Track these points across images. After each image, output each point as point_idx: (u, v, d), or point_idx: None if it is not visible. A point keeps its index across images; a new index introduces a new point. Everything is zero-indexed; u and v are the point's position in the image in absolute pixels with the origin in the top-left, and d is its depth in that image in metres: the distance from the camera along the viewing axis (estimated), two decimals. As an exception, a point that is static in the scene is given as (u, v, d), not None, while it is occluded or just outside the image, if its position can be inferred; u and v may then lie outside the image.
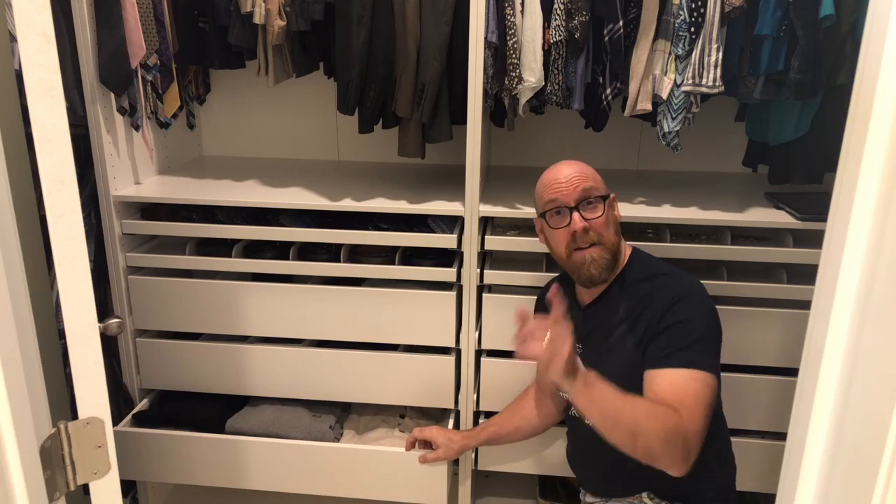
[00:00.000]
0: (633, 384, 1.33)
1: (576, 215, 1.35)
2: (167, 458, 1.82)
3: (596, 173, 1.41)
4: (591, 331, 1.43)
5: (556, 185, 1.37)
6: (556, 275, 1.60)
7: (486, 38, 1.54)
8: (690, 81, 1.52)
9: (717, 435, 1.40)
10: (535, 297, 1.64)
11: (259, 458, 1.79)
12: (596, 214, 1.35)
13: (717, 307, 1.66)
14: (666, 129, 1.58)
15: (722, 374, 1.70)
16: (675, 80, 1.54)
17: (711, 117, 1.99)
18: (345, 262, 1.77)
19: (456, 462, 1.87)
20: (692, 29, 1.49)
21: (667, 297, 1.31)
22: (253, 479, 1.82)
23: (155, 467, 1.84)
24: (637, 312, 1.34)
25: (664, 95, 1.55)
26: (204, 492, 2.15)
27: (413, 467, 1.73)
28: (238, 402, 1.92)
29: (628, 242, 1.47)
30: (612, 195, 1.41)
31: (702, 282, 1.39)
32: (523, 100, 1.61)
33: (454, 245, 1.72)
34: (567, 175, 1.37)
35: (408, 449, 1.73)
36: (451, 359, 1.78)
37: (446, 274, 1.74)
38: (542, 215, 1.42)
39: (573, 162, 1.41)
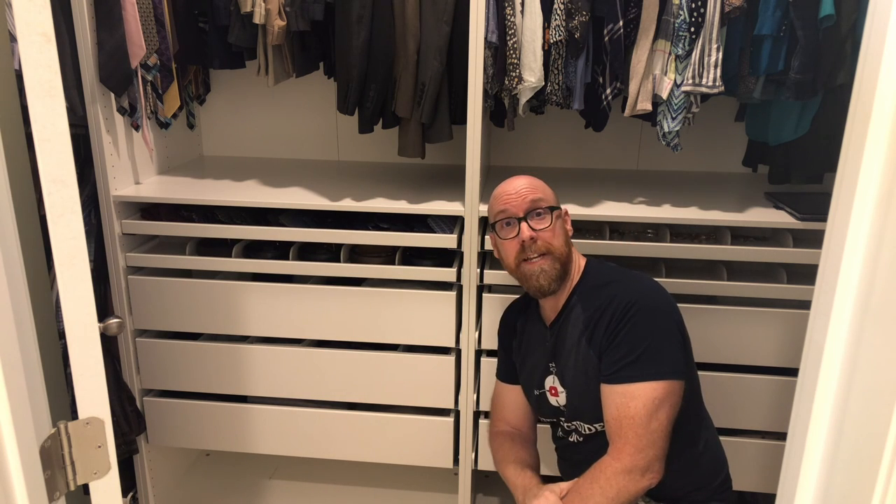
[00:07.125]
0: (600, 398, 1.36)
1: (524, 225, 1.37)
2: (179, 424, 1.92)
3: (547, 187, 1.43)
4: (560, 348, 1.42)
5: (507, 197, 1.40)
6: (517, 296, 1.60)
7: (486, 38, 1.54)
8: (690, 81, 1.52)
9: (700, 435, 1.39)
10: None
11: (269, 423, 1.90)
12: (543, 225, 1.37)
13: (717, 307, 1.67)
14: (666, 129, 1.58)
15: (722, 374, 1.71)
16: (675, 80, 1.54)
17: (711, 117, 1.99)
18: (345, 262, 1.77)
19: (456, 462, 1.87)
20: (692, 29, 1.49)
21: (618, 307, 1.31)
22: (262, 444, 1.93)
23: (167, 434, 1.95)
24: (593, 324, 1.34)
25: (664, 95, 1.55)
26: (204, 491, 2.15)
27: (419, 430, 1.84)
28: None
29: (584, 254, 1.48)
30: (563, 209, 1.43)
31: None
32: (523, 100, 1.61)
33: (454, 245, 1.72)
34: (517, 187, 1.40)
35: None
36: (451, 359, 1.78)
37: (446, 274, 1.74)
38: (492, 227, 1.44)
39: (525, 176, 1.43)
